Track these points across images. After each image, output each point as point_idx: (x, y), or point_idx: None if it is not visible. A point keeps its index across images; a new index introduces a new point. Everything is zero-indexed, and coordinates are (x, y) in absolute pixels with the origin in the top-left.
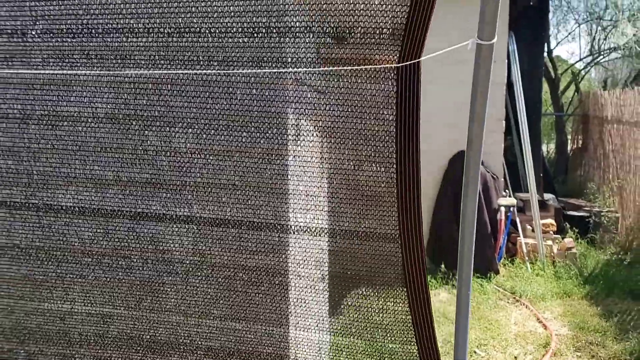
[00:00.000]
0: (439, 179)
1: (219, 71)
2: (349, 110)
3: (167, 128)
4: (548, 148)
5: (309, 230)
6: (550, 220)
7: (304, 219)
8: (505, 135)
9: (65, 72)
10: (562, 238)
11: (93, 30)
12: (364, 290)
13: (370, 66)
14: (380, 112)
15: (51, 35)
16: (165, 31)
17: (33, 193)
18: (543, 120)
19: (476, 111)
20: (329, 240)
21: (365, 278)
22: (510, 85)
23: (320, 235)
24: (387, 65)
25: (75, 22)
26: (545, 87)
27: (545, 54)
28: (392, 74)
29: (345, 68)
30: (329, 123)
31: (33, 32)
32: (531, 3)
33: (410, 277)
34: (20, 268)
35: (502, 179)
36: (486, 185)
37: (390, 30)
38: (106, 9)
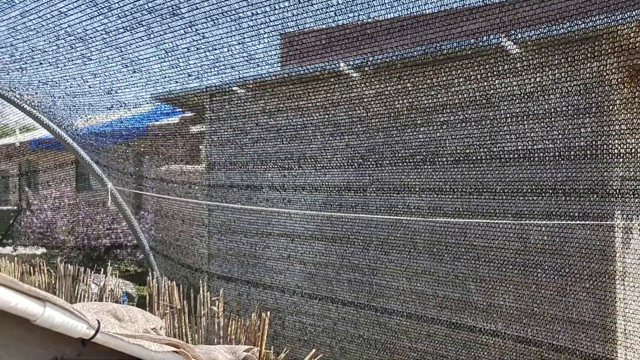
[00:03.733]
0: None
1: (512, 221)
2: None
3: (473, 261)
4: None
5: None
6: None
7: (602, 350)
8: None
9: (391, 217)
10: None
11: (413, 188)
12: None
13: None
14: None
15: (382, 191)
16: (467, 190)
17: (373, 298)
18: None
19: None
20: None
21: None
22: None
23: None
24: None
25: (394, 183)
26: None
27: None
28: None
29: None
30: (624, 268)
31: (370, 189)
32: None
33: None
34: (363, 354)
35: None
36: None
37: None
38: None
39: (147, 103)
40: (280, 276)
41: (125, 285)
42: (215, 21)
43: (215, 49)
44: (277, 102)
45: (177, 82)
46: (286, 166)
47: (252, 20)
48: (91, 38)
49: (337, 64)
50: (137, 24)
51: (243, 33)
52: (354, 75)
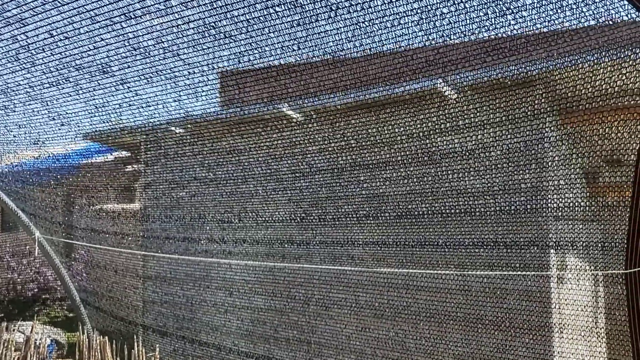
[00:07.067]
0: None
1: (455, 272)
2: (581, 309)
3: (414, 316)
4: None
5: None
6: None
7: None
8: None
9: (335, 267)
10: None
11: (357, 242)
12: None
13: (598, 272)
14: (612, 313)
15: (325, 244)
16: (410, 243)
17: (311, 359)
18: None
19: None
20: None
21: None
22: None
23: None
24: (614, 272)
25: (338, 237)
26: None
27: None
28: (621, 279)
29: (573, 272)
30: (562, 319)
31: (314, 242)
32: None
33: None
34: None
35: None
36: None
37: (613, 243)
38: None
39: (77, 155)
40: (217, 332)
41: (54, 333)
42: (148, 79)
43: (150, 106)
44: (217, 157)
45: (108, 135)
46: (226, 219)
47: (189, 80)
48: (13, 91)
49: (278, 116)
50: (64, 80)
51: (179, 90)
52: (298, 131)
